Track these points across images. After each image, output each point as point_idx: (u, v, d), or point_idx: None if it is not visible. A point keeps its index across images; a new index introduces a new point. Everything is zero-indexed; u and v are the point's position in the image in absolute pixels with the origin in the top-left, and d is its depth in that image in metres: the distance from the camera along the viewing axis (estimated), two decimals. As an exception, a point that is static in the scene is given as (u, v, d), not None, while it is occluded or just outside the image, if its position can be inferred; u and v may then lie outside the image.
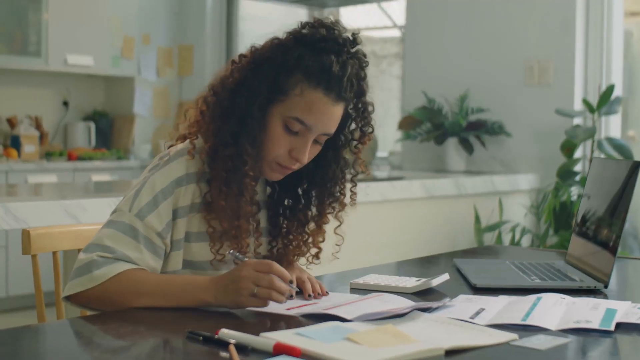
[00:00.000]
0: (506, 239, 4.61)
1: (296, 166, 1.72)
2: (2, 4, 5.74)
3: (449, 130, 5.03)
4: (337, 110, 1.68)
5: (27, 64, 5.92)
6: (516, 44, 5.01)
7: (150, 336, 1.43)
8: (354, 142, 1.80)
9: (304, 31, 1.69)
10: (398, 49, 6.46)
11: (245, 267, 1.51)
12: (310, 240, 1.85)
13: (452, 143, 5.09)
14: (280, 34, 1.71)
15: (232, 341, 1.29)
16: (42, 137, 6.12)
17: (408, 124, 5.23)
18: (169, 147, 1.81)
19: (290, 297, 1.52)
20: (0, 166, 5.46)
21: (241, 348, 1.27)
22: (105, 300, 1.59)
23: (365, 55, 1.73)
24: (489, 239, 4.54)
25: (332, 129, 1.70)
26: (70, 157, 6.00)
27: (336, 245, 1.86)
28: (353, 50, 1.70)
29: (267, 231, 1.87)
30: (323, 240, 1.87)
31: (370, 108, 1.76)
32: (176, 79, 6.93)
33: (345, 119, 1.76)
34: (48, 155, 5.97)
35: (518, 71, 5.00)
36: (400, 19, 6.29)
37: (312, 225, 1.85)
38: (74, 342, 1.45)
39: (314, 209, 1.84)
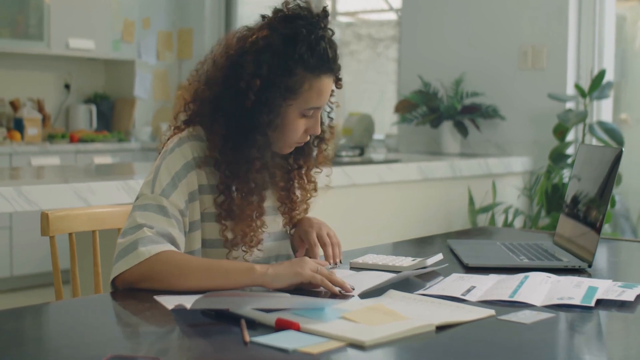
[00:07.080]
0: (499, 220, 4.73)
1: (309, 138, 1.92)
2: (4, -12, 5.83)
3: (444, 113, 5.12)
4: (332, 82, 1.88)
5: (30, 47, 6.00)
6: (511, 29, 5.10)
7: (166, 311, 1.53)
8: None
9: (289, 28, 1.80)
10: (394, 32, 6.53)
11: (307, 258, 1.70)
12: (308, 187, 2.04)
13: (447, 126, 5.19)
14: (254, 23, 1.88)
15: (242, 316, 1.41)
16: (45, 119, 6.21)
17: (404, 107, 5.32)
18: (167, 139, 1.91)
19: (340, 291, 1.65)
20: (4, 149, 5.56)
21: (249, 323, 1.39)
22: (149, 280, 1.66)
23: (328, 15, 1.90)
24: (482, 220, 4.65)
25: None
26: (72, 140, 6.10)
27: (326, 176, 2.06)
28: (327, 24, 1.86)
29: (277, 208, 1.99)
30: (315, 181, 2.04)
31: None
32: (176, 62, 7.02)
33: None
34: (50, 137, 6.06)
35: (512, 56, 5.09)
36: (397, 2, 6.37)
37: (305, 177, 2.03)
38: (94, 317, 1.56)
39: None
